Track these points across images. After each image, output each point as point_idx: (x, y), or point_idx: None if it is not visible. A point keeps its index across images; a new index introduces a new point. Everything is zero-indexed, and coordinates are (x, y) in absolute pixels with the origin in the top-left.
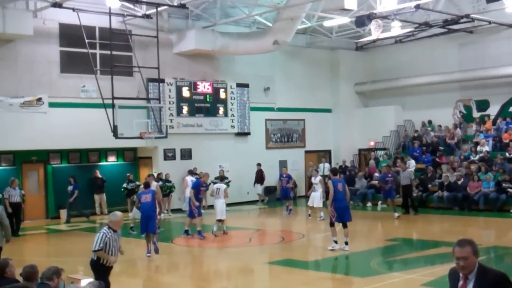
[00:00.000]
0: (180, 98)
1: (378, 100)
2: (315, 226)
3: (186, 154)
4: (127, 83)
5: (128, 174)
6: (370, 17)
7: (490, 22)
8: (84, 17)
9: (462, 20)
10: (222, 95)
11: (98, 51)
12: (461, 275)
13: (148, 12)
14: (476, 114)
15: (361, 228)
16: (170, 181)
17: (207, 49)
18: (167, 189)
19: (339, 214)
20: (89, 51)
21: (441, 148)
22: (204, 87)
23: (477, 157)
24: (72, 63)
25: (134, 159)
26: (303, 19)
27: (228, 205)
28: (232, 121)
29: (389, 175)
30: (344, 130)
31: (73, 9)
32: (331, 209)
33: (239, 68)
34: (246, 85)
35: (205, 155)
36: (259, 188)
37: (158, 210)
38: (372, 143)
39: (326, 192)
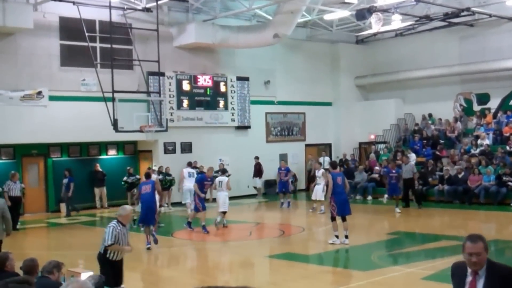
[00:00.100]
0: (180, 92)
1: (379, 93)
2: (315, 219)
3: (186, 148)
4: (127, 76)
5: (128, 168)
6: (371, 10)
7: (490, 15)
8: (84, 11)
9: (462, 13)
10: (222, 88)
11: (98, 45)
12: (469, 270)
13: (148, 6)
14: (476, 108)
15: (362, 222)
16: (170, 175)
17: (207, 43)
18: (167, 183)
19: (339, 208)
20: (89, 44)
21: (441, 141)
22: (204, 81)
23: (478, 150)
24: (72, 57)
25: (134, 152)
26: (303, 13)
27: (228, 198)
28: (232, 115)
29: (393, 171)
30: (344, 124)
31: (73, 3)
32: (331, 203)
33: (239, 61)
34: (246, 79)
35: (205, 149)
36: (258, 182)
37: (158, 202)
38: (372, 137)
39: (326, 185)
